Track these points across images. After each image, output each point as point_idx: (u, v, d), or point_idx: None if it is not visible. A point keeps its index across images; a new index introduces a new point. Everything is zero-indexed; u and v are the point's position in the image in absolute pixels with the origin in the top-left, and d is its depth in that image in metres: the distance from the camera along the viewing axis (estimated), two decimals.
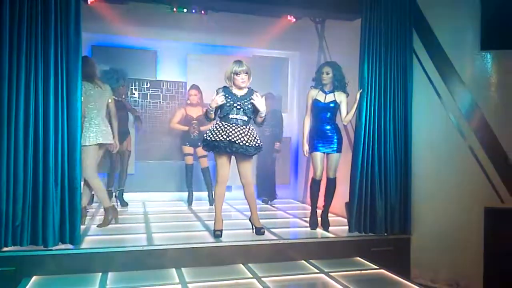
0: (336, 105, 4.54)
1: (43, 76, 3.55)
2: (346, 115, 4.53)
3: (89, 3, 5.52)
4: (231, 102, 4.10)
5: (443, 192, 4.29)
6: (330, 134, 4.55)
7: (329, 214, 4.74)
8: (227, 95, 4.11)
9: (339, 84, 4.54)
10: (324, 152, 4.57)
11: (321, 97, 4.56)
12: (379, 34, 4.42)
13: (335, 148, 4.55)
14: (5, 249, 3.47)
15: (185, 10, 6.02)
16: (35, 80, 3.52)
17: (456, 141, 4.22)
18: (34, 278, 3.45)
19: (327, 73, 4.53)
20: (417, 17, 4.51)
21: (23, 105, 3.48)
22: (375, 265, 4.07)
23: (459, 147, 4.22)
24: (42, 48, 3.55)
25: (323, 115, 4.56)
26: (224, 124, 4.10)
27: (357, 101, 4.41)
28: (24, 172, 3.48)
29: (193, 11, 6.10)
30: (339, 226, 4.73)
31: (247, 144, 4.06)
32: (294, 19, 6.34)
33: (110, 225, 4.57)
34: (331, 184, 4.61)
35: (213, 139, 4.07)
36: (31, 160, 3.51)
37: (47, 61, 3.56)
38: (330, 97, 4.54)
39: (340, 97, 4.54)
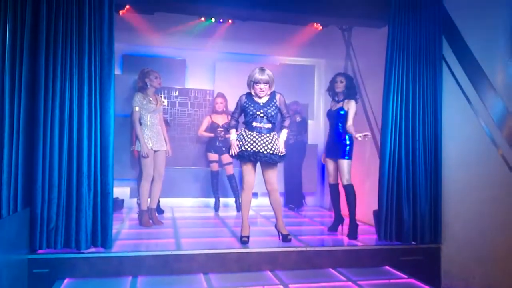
0: (345, 113, 4.59)
1: (77, 84, 3.69)
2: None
3: (120, 14, 5.68)
4: (254, 110, 4.13)
5: (475, 201, 4.18)
6: (338, 140, 4.63)
7: (358, 222, 4.70)
8: (250, 103, 4.15)
9: (349, 92, 4.63)
10: (334, 159, 4.66)
11: (332, 105, 4.73)
12: (406, 41, 4.40)
13: (342, 154, 4.58)
14: (40, 251, 3.58)
15: (212, 19, 6.15)
16: (70, 88, 3.66)
17: (488, 149, 4.11)
18: (66, 280, 3.54)
19: (341, 81, 4.66)
20: (446, 24, 4.46)
21: (58, 113, 3.62)
22: (405, 274, 4.01)
23: (491, 155, 4.10)
24: (77, 57, 3.69)
25: (333, 122, 4.70)
26: (247, 133, 4.14)
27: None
28: (59, 177, 3.61)
29: (221, 21, 6.21)
30: (367, 235, 4.69)
31: (271, 152, 4.08)
32: (321, 27, 6.35)
33: (140, 230, 4.75)
34: (347, 191, 4.59)
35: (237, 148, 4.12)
36: (65, 166, 3.63)
37: (81, 70, 3.69)
38: (339, 105, 4.64)
39: (348, 104, 4.59)
